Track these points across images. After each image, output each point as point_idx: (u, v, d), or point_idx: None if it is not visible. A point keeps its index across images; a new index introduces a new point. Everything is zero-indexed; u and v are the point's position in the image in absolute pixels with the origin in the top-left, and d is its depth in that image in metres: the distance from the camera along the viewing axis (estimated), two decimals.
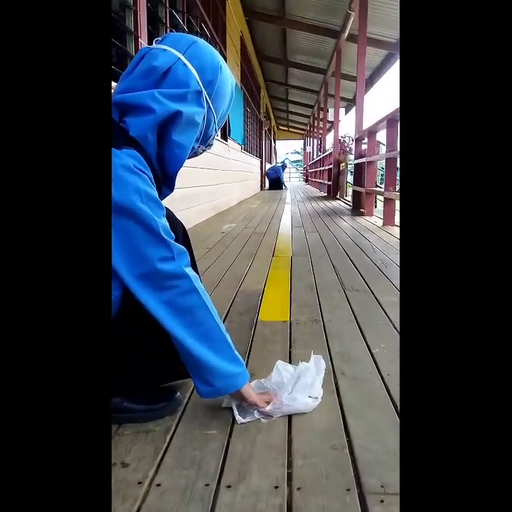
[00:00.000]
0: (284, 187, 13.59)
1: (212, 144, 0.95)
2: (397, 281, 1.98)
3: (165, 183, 0.87)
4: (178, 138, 0.82)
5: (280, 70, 12.16)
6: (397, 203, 4.27)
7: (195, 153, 0.92)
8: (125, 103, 0.80)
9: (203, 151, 0.94)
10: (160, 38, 0.85)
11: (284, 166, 14.44)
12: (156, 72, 0.80)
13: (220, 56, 0.88)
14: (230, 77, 0.89)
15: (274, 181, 13.30)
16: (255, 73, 10.95)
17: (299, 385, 0.92)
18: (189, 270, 0.80)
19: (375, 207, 5.34)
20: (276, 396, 0.89)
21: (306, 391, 0.92)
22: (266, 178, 13.94)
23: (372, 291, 1.83)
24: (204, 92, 0.83)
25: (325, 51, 9.32)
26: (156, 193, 0.78)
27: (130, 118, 0.80)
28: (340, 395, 0.98)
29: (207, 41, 0.86)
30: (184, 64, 0.81)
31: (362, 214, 5.19)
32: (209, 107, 0.85)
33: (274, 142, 24.05)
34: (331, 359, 1.16)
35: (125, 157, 0.74)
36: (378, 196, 5.40)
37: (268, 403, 0.88)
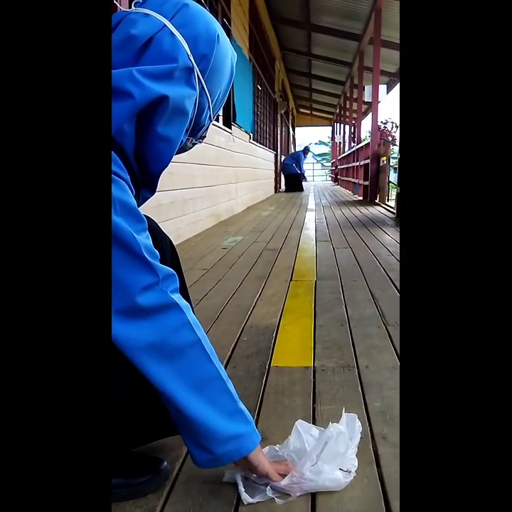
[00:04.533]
0: (302, 178, 13.50)
1: (204, 136, 0.98)
2: None
3: (145, 184, 0.89)
4: (163, 130, 0.83)
5: (301, 36, 12.34)
6: None
7: (183, 148, 0.94)
8: None
9: (193, 145, 0.96)
10: (140, 0, 0.86)
11: (306, 150, 14.34)
12: (135, 42, 0.80)
13: (218, 23, 0.90)
14: (229, 50, 0.91)
15: (292, 179, 13.24)
16: (268, 40, 11.17)
17: (326, 453, 0.91)
18: (178, 297, 0.81)
19: None
20: (296, 467, 0.89)
21: (335, 462, 0.91)
22: (281, 175, 13.94)
23: None
24: (196, 69, 0.84)
25: (360, 11, 9.46)
26: (134, 202, 0.79)
27: None
28: (381, 467, 0.97)
29: None
30: (171, 33, 0.82)
31: None
32: (202, 88, 0.87)
33: (293, 130, 24.32)
34: (368, 419, 1.16)
35: None
36: None
37: (284, 476, 0.88)
